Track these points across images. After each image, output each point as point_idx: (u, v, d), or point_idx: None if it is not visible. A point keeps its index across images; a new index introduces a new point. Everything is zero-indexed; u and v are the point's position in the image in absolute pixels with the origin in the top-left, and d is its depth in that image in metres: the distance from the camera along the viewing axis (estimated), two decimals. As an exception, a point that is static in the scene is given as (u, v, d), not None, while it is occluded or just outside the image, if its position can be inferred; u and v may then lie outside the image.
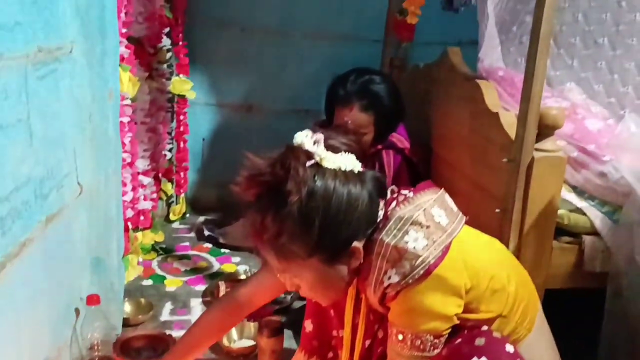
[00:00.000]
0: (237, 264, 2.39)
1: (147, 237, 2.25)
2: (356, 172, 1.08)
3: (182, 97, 2.60)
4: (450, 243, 1.05)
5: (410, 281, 1.03)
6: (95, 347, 1.58)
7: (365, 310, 1.22)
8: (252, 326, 1.86)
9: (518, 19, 1.71)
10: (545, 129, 1.40)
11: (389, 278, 1.05)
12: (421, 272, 1.03)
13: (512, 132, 1.52)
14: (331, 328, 1.39)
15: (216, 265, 2.37)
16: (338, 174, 1.06)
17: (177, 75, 2.56)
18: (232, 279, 2.18)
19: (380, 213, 1.09)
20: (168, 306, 2.04)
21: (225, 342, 1.79)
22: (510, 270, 1.13)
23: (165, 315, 1.98)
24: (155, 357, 1.63)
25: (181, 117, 2.64)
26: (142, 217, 2.13)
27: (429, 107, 2.16)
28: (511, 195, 1.44)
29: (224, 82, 2.91)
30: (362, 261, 1.10)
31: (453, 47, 2.04)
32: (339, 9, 2.86)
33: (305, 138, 1.09)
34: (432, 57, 2.29)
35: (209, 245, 2.55)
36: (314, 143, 1.07)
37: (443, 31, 2.63)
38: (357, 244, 1.08)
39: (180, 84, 2.54)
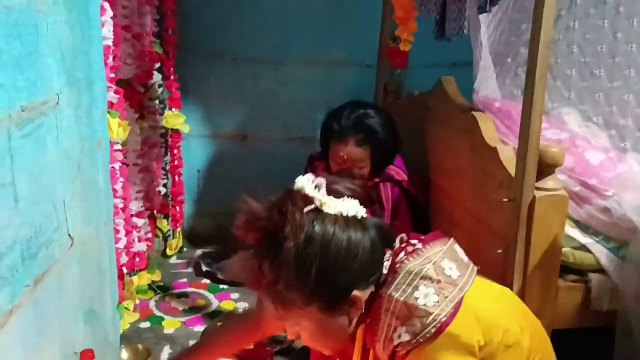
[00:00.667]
0: (236, 301, 2.34)
1: (143, 279, 2.21)
2: (359, 217, 1.05)
3: (176, 131, 2.57)
4: (462, 298, 1.01)
5: (421, 340, 0.98)
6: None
7: None
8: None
9: (512, 50, 1.69)
10: (546, 167, 1.37)
11: (399, 337, 1.00)
12: (432, 330, 0.98)
13: (511, 168, 1.49)
14: None
15: (215, 303, 2.33)
16: (338, 219, 1.03)
17: (170, 109, 2.53)
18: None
19: (387, 264, 1.05)
20: (166, 350, 1.99)
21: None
22: (523, 321, 1.09)
23: (164, 361, 1.93)
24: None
25: (175, 151, 2.61)
26: (137, 259, 2.09)
27: (426, 136, 2.13)
28: (513, 235, 1.40)
29: (218, 113, 2.88)
30: (365, 312, 1.06)
31: (447, 77, 2.01)
32: (332, 35, 2.83)
33: (306, 182, 1.07)
34: (427, 80, 2.26)
35: (207, 282, 2.50)
36: (315, 187, 1.05)
37: (437, 53, 2.60)
38: (358, 293, 1.04)
39: (173, 118, 2.51)
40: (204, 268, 2.56)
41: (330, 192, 1.05)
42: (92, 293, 1.59)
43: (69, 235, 1.50)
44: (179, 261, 2.72)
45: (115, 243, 1.71)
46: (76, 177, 1.50)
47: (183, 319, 2.18)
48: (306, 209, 1.02)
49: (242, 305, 2.29)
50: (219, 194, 2.92)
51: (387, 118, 2.01)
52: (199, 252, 2.80)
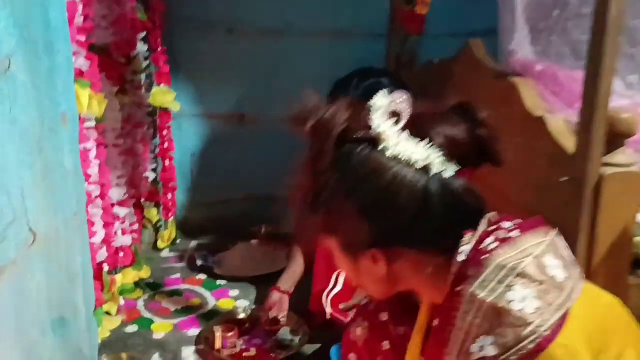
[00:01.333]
0: (235, 299, 2.09)
1: (128, 276, 1.95)
2: (431, 175, 0.80)
3: (165, 110, 2.30)
4: (569, 308, 0.76)
5: (513, 358, 0.73)
6: None
7: None
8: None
9: (559, 1, 1.42)
10: (615, 138, 1.10)
11: (481, 349, 0.74)
12: (530, 346, 0.72)
13: (564, 142, 1.23)
14: None
15: (211, 302, 2.07)
16: (401, 162, 0.80)
17: (157, 85, 2.26)
18: (230, 320, 1.88)
19: (465, 249, 0.80)
20: (156, 359, 1.73)
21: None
22: (637, 343, 0.83)
23: (151, 373, 1.68)
24: None
25: (164, 132, 2.34)
26: (121, 254, 1.83)
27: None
28: (572, 222, 1.14)
29: (212, 90, 2.60)
30: (411, 288, 0.88)
31: (475, 40, 1.74)
32: (337, 2, 2.55)
33: (384, 102, 0.83)
34: (442, 52, 2.00)
35: (203, 277, 2.24)
36: (392, 115, 0.82)
37: (453, 21, 2.34)
38: (380, 255, 0.84)
39: (162, 95, 2.23)
40: (199, 262, 2.30)
41: (413, 127, 0.82)
42: (61, 298, 1.33)
43: (30, 229, 1.23)
44: (172, 254, 2.46)
45: (90, 237, 1.45)
46: (36, 160, 1.23)
47: (175, 321, 1.93)
48: (360, 134, 0.82)
49: (241, 304, 2.04)
50: (215, 180, 2.66)
51: (402, 86, 1.74)
52: (193, 244, 2.55)
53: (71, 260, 1.33)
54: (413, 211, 0.80)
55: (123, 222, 1.82)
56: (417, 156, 0.80)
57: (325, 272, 1.85)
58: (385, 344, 1.04)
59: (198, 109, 2.62)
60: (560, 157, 1.23)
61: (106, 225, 1.61)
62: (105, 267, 1.68)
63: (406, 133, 0.82)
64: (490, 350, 0.73)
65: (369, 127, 0.82)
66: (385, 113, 0.82)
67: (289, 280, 1.87)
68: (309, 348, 1.77)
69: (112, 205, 1.73)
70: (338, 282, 1.70)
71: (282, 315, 1.79)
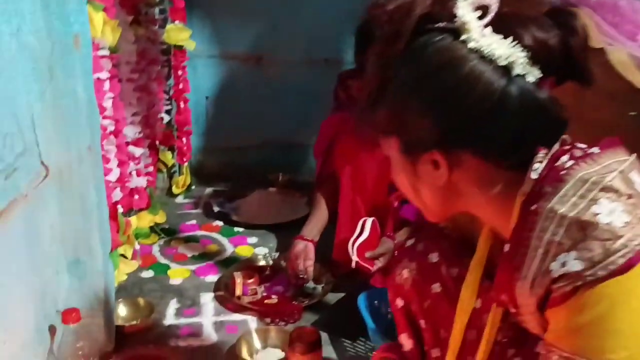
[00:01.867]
0: (254, 246, 2.01)
1: (144, 220, 1.87)
2: (512, 76, 0.71)
3: (180, 49, 2.17)
4: None
5: (601, 274, 0.64)
6: (80, 374, 1.22)
7: (497, 322, 0.84)
8: (281, 331, 1.49)
9: None
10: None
11: (563, 265, 0.66)
12: (620, 261, 0.64)
13: (629, 76, 1.10)
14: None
15: (229, 249, 1.99)
16: (481, 58, 0.71)
17: (172, 22, 2.13)
18: (250, 267, 1.80)
19: (538, 167, 0.72)
20: (173, 305, 1.67)
21: (244, 353, 1.43)
22: None
23: (170, 318, 1.61)
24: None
25: (179, 72, 2.22)
26: (136, 197, 1.74)
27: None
28: None
29: (229, 30, 2.47)
30: (460, 190, 0.79)
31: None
32: None
33: None
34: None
35: (220, 224, 2.16)
36: (477, 8, 0.72)
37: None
38: (441, 160, 0.76)
39: (177, 33, 2.10)
40: (216, 208, 2.22)
41: (500, 24, 0.72)
42: (77, 238, 1.25)
43: (42, 163, 1.14)
44: (186, 201, 2.38)
45: (105, 175, 1.36)
46: (47, 87, 1.13)
47: (192, 267, 1.86)
48: (442, 22, 0.73)
49: (261, 251, 1.96)
50: (231, 125, 2.56)
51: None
52: (208, 191, 2.46)
53: (86, 198, 1.24)
54: (485, 112, 0.71)
55: (138, 163, 1.72)
56: (500, 52, 0.70)
57: (350, 219, 1.76)
58: (436, 287, 0.94)
59: (214, 50, 2.49)
60: (622, 90, 1.11)
61: (121, 164, 1.52)
62: (120, 209, 1.59)
63: (491, 29, 0.71)
64: (575, 266, 0.65)
65: (453, 17, 0.72)
66: (473, 4, 0.72)
67: (313, 228, 1.78)
68: (333, 297, 1.69)
69: (127, 143, 1.63)
70: (365, 229, 1.61)
71: (309, 265, 1.71)
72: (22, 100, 1.06)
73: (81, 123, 1.19)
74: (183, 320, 1.60)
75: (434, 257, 0.96)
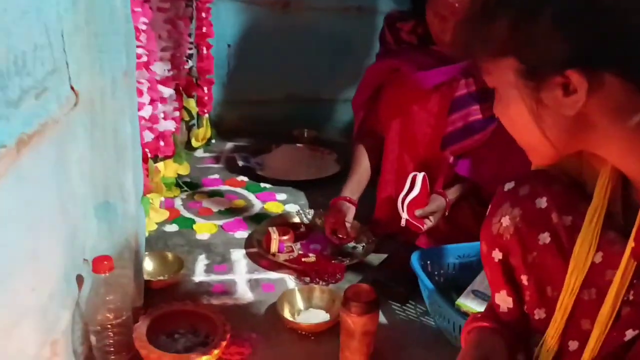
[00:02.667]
0: (283, 203, 1.87)
1: (169, 169, 1.72)
2: None
3: (204, -13, 1.99)
4: None
5: None
6: (109, 330, 1.08)
7: (627, 280, 0.71)
8: (324, 291, 1.36)
9: None
10: None
11: None
12: None
13: None
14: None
15: (257, 205, 1.85)
16: None
17: (198, -44, 1.94)
18: (284, 223, 1.66)
19: None
20: (202, 261, 1.53)
21: (287, 313, 1.29)
22: None
23: (199, 274, 1.47)
24: (198, 343, 1.14)
25: (203, 14, 2.03)
26: (162, 143, 1.59)
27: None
28: None
29: (255, -29, 2.28)
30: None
31: None
32: None
33: None
34: None
35: (245, 179, 2.02)
36: None
37: None
38: (579, 77, 0.64)
39: (201, -32, 1.92)
40: (240, 163, 2.07)
41: None
42: (108, 177, 1.10)
43: (72, 88, 0.99)
44: (207, 155, 2.22)
45: (139, 110, 1.20)
46: (79, -2, 0.96)
47: (219, 222, 1.71)
48: None
49: (291, 208, 1.82)
50: (254, 77, 2.39)
51: None
52: (229, 145, 2.30)
53: (119, 131, 1.08)
54: None
55: (165, 103, 1.55)
56: None
57: (395, 176, 1.62)
58: (544, 237, 0.81)
59: (238, -7, 2.31)
60: None
61: (152, 101, 1.36)
62: (148, 154, 1.44)
63: None
64: None
65: None
66: None
67: (354, 187, 1.64)
68: (375, 258, 1.56)
69: (157, 81, 1.46)
70: (415, 185, 1.47)
71: (350, 227, 1.57)
72: (51, 10, 0.90)
73: (117, 42, 1.03)
74: (214, 277, 1.46)
75: (542, 203, 0.82)
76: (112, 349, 1.09)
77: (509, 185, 0.86)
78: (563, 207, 0.80)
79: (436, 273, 1.41)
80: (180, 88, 1.91)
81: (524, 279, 0.84)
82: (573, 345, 0.79)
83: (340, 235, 1.55)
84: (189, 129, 2.27)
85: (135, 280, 1.20)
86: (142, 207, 1.21)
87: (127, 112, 1.08)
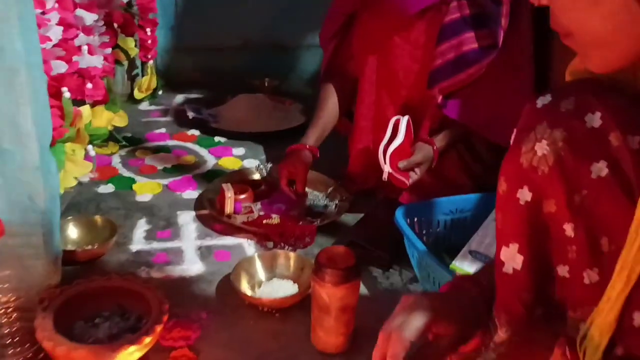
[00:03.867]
0: (241, 158, 1.60)
1: (100, 117, 1.43)
2: None
3: None
4: None
5: None
6: (4, 317, 0.81)
7: None
8: (290, 258, 1.11)
9: None
10: None
11: None
12: None
13: None
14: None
15: (211, 160, 1.58)
16: None
17: None
18: (241, 180, 1.40)
19: None
20: (142, 226, 1.26)
21: (245, 286, 1.05)
22: None
23: (138, 242, 1.21)
24: (126, 329, 0.88)
25: (142, -62, 1.73)
26: (89, 85, 1.29)
27: None
28: None
29: None
30: None
31: None
32: None
33: None
34: None
35: (196, 133, 1.74)
36: None
37: None
38: None
39: None
40: (191, 114, 1.79)
41: None
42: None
43: None
44: (153, 107, 1.93)
45: (40, 27, 0.91)
46: None
47: (164, 182, 1.44)
48: None
49: (250, 164, 1.56)
50: (206, 21, 2.09)
51: None
52: (179, 98, 2.01)
53: (8, 51, 0.79)
54: None
55: (90, 33, 1.26)
56: None
57: (372, 122, 1.37)
58: (599, 168, 0.56)
59: None
60: None
61: (64, 24, 1.06)
62: (67, 94, 1.15)
63: None
64: None
65: None
66: None
67: (319, 134, 1.39)
68: (350, 218, 1.31)
69: (76, 5, 1.16)
70: (398, 132, 1.22)
71: (301, 176, 1.32)
72: None
73: None
74: (156, 245, 1.20)
75: (595, 120, 0.58)
76: (11, 341, 0.82)
77: (543, 100, 0.62)
78: (627, 124, 0.56)
79: (424, 232, 1.18)
80: (114, 23, 1.60)
81: (568, 228, 0.60)
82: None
83: (298, 190, 1.31)
84: (132, 78, 1.98)
85: (46, 251, 0.93)
86: (52, 157, 0.93)
87: (16, 25, 0.79)
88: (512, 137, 0.64)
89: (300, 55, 2.16)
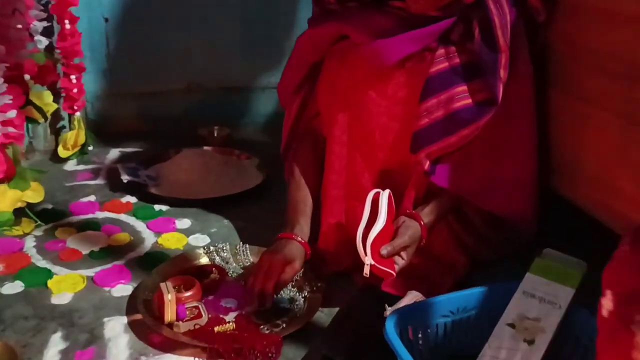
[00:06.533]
0: (186, 233, 1.33)
1: (4, 199, 1.13)
2: None
3: None
4: None
5: None
6: None
7: None
8: None
9: None
10: None
11: None
12: None
13: None
14: None
15: (149, 239, 1.30)
16: None
17: None
18: (186, 269, 1.13)
19: None
20: (56, 344, 0.97)
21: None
22: None
23: (48, 371, 0.92)
24: None
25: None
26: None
27: None
28: None
29: None
30: None
31: None
32: None
33: None
34: None
35: (132, 200, 1.46)
36: None
37: None
38: None
39: None
40: (125, 178, 1.50)
41: None
42: None
43: None
44: (81, 167, 1.65)
45: None
46: None
47: (90, 273, 1.16)
48: None
49: (197, 241, 1.29)
50: (143, 59, 1.83)
51: None
52: (114, 153, 1.73)
53: None
54: None
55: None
56: None
57: (345, 192, 1.14)
58: None
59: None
60: None
61: None
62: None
63: None
64: None
65: None
66: None
67: (304, 218, 1.14)
68: (323, 316, 1.06)
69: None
70: (380, 210, 0.98)
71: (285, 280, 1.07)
72: None
73: None
74: (74, 376, 0.91)
75: None
76: None
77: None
78: None
79: (420, 338, 0.93)
80: (27, 76, 1.32)
81: None
82: None
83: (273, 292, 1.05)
84: (57, 132, 1.70)
85: None
86: None
87: None
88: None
89: (255, 98, 1.92)
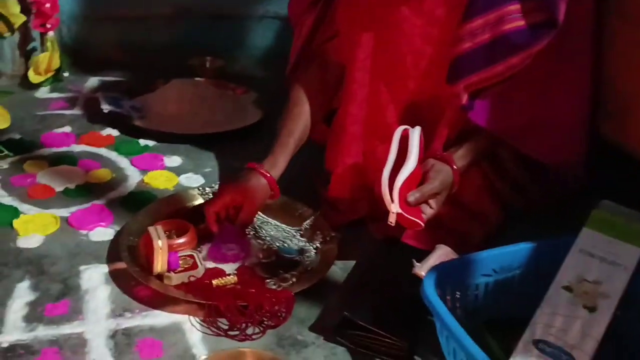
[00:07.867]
0: (177, 172, 1.16)
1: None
2: None
3: None
4: None
5: None
6: None
7: None
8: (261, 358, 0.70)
9: None
10: None
11: None
12: None
13: None
14: None
15: (134, 176, 1.14)
16: None
17: None
18: (177, 211, 0.98)
19: None
20: (22, 294, 0.82)
21: None
22: None
23: (13, 327, 0.77)
24: None
25: None
26: None
27: None
28: None
29: None
30: None
31: None
32: None
33: None
34: None
35: (114, 133, 1.29)
36: None
37: None
38: None
39: None
40: (107, 107, 1.32)
41: None
42: None
43: None
44: (54, 95, 1.47)
45: None
46: None
47: (64, 213, 1.00)
48: None
49: (190, 181, 1.13)
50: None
51: None
52: (93, 81, 1.55)
53: None
54: None
55: None
56: None
57: (364, 129, 0.98)
58: None
59: None
60: None
61: None
62: None
63: None
64: None
65: None
66: None
67: (284, 153, 0.98)
68: (338, 270, 0.92)
69: None
70: (411, 150, 0.82)
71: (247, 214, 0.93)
72: None
73: None
74: (43, 332, 0.76)
75: None
76: None
77: None
78: None
79: (458, 300, 0.80)
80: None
81: None
82: None
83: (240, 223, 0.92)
84: (27, 55, 1.50)
85: None
86: None
87: None
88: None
89: (252, 28, 1.73)
